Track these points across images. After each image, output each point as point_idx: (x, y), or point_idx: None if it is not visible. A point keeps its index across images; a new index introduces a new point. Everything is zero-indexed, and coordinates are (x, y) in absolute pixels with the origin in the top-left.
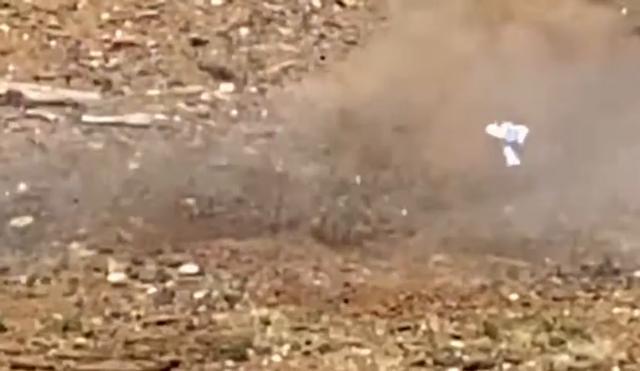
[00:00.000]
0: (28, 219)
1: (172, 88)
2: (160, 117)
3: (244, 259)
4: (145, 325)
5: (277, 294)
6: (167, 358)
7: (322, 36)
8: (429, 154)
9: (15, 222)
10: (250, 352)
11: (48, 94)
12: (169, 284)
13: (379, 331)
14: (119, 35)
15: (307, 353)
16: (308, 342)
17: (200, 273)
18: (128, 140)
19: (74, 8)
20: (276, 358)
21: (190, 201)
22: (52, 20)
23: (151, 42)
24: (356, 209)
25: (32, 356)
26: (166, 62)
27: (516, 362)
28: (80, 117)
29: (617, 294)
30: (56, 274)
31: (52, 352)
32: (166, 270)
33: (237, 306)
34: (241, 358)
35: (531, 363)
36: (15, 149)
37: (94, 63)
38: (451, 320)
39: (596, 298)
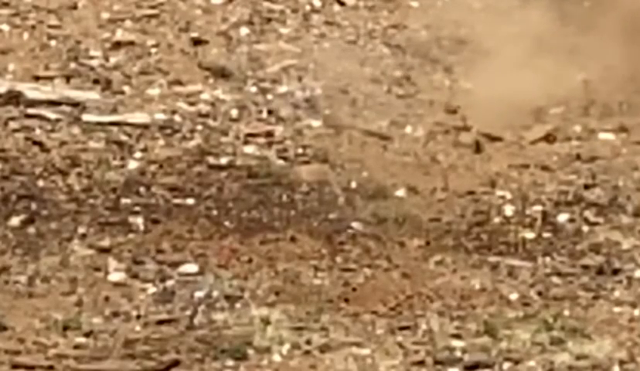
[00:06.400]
0: (28, 219)
1: (172, 88)
2: (160, 116)
3: (244, 259)
4: (145, 325)
5: (277, 293)
6: (167, 357)
7: (322, 36)
8: None
9: (15, 221)
10: (250, 351)
11: (48, 94)
12: (169, 283)
13: (379, 331)
14: (119, 35)
15: (307, 353)
16: (308, 342)
17: (200, 272)
18: (128, 139)
19: (74, 7)
20: (276, 357)
21: (190, 201)
22: (52, 20)
23: (151, 42)
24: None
25: (32, 355)
26: (166, 62)
27: (516, 362)
28: (79, 116)
29: (617, 293)
30: (56, 274)
31: (52, 351)
32: (166, 269)
33: (237, 306)
34: (241, 357)
35: (531, 363)
36: (15, 148)
37: (94, 63)
38: (451, 319)
39: (596, 298)
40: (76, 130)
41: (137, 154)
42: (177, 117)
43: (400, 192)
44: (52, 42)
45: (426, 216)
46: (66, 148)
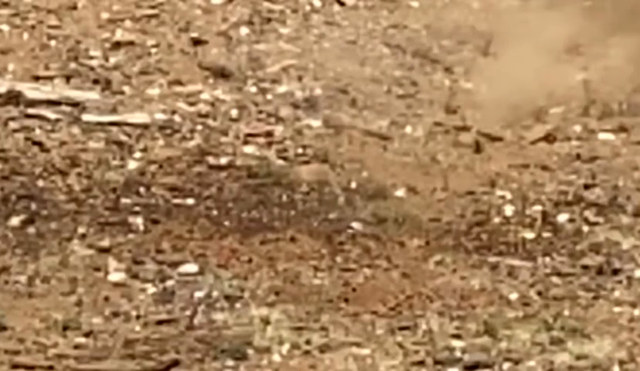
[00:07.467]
0: (28, 219)
1: (172, 88)
2: (160, 116)
3: (244, 259)
4: (145, 325)
5: (277, 293)
6: (167, 357)
7: (322, 36)
8: None
9: (15, 221)
10: (250, 351)
11: (48, 94)
12: (169, 283)
13: (379, 331)
14: (119, 35)
15: (307, 353)
16: (308, 342)
17: (200, 272)
18: (128, 139)
19: (74, 7)
20: (276, 357)
21: (190, 201)
22: (52, 20)
23: (151, 42)
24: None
25: (32, 355)
26: (166, 62)
27: (516, 362)
28: (79, 116)
29: (617, 293)
30: (55, 274)
31: (52, 351)
32: (166, 269)
33: (237, 306)
34: (241, 357)
35: (531, 363)
36: (15, 148)
37: (94, 63)
38: (451, 319)
39: (596, 298)
40: (76, 130)
41: (137, 154)
42: (177, 117)
43: (400, 192)
44: (52, 42)
45: (426, 216)
46: (66, 148)
